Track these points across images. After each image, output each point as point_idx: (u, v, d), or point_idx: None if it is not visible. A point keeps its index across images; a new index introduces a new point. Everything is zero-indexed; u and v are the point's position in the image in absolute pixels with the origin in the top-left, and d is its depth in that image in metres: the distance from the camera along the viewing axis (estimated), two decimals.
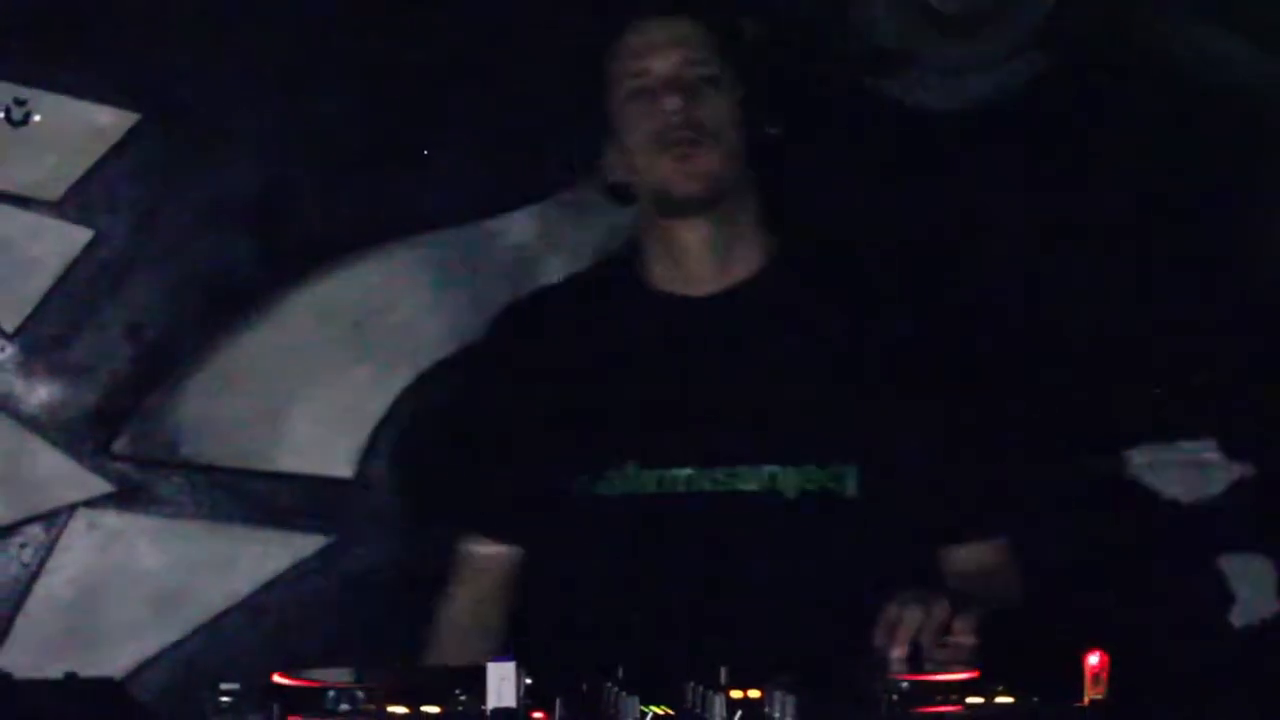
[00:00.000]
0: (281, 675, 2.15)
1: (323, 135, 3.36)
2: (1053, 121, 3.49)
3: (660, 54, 2.80)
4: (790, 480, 2.74)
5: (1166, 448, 3.50)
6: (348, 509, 3.39)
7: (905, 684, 2.17)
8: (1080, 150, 3.49)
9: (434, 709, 2.10)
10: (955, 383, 2.84)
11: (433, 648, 2.93)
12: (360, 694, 2.10)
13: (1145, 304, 3.50)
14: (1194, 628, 3.46)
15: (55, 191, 3.30)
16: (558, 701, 2.08)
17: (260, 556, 3.37)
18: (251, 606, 3.37)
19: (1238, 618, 3.50)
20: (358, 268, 3.39)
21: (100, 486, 3.33)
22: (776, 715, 2.09)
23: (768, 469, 2.74)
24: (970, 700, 2.16)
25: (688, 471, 2.75)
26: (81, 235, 3.31)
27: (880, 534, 2.76)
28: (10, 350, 3.30)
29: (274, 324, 3.38)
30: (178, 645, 3.35)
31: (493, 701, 2.05)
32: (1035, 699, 2.18)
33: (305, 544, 3.36)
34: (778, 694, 2.10)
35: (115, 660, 3.28)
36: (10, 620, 3.30)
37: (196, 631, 3.35)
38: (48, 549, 3.32)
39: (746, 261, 2.85)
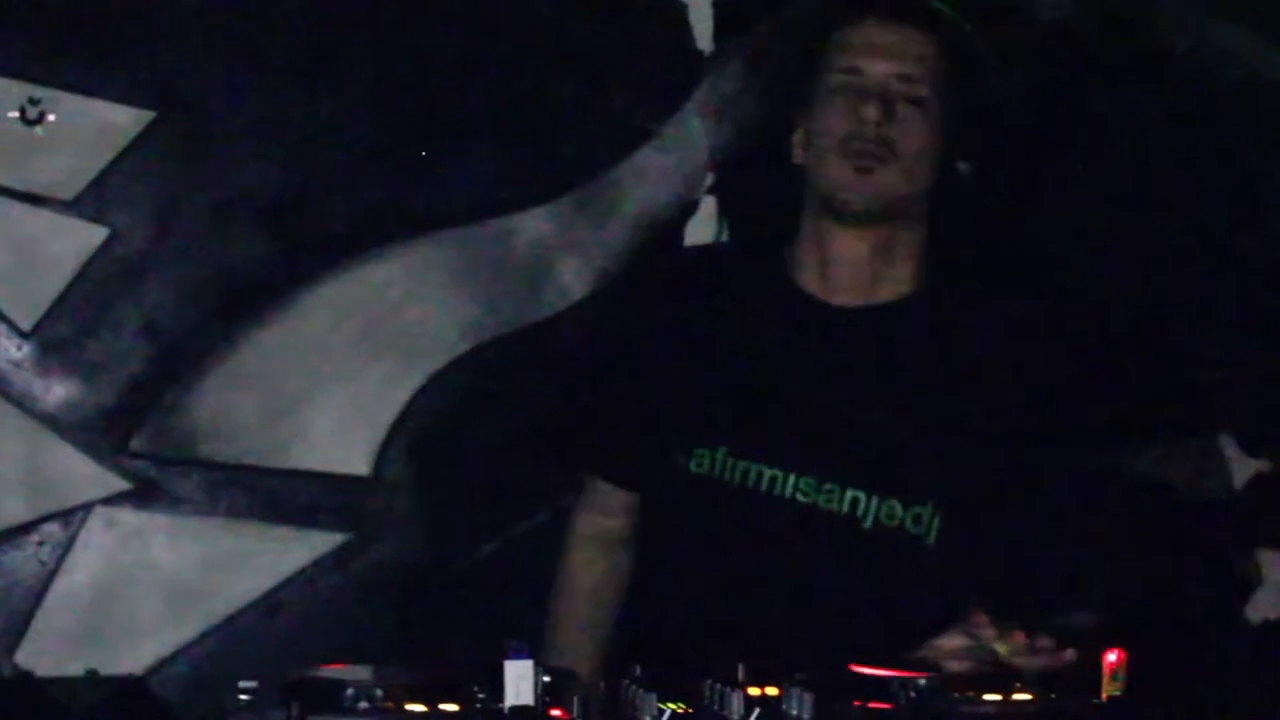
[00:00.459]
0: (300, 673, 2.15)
1: (338, 133, 3.36)
2: (1063, 119, 3.49)
3: (876, 59, 2.72)
4: (871, 510, 2.72)
5: (1187, 443, 3.49)
6: (364, 506, 3.39)
7: (923, 681, 2.16)
8: (1091, 147, 3.49)
9: (452, 707, 2.10)
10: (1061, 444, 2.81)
11: (554, 593, 2.91)
12: (379, 692, 2.10)
13: (1163, 298, 3.49)
14: (1210, 624, 3.46)
15: (70, 190, 3.30)
16: (576, 699, 2.09)
17: (277, 554, 3.37)
18: (269, 604, 3.37)
19: (1254, 613, 3.49)
20: (373, 266, 3.39)
21: (118, 485, 3.34)
22: (794, 712, 2.10)
23: (852, 492, 2.72)
24: (988, 697, 2.16)
25: (774, 472, 2.72)
26: (97, 234, 3.31)
27: (947, 584, 2.70)
28: (27, 349, 3.31)
29: (290, 322, 3.38)
30: (195, 643, 3.36)
31: (511, 699, 2.06)
32: (1053, 695, 2.18)
33: (322, 541, 3.37)
34: (795, 691, 2.10)
35: (133, 658, 3.29)
36: (29, 618, 3.31)
37: (214, 629, 3.36)
38: (66, 547, 3.32)
39: (897, 284, 2.78)
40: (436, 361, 3.40)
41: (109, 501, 3.34)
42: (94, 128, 3.29)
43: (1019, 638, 2.38)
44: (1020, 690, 2.18)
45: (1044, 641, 2.37)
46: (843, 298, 2.78)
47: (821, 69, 2.77)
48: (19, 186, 3.29)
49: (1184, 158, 3.48)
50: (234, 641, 3.36)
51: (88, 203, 3.31)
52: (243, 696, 2.08)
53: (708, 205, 3.43)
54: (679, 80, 3.42)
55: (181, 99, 3.31)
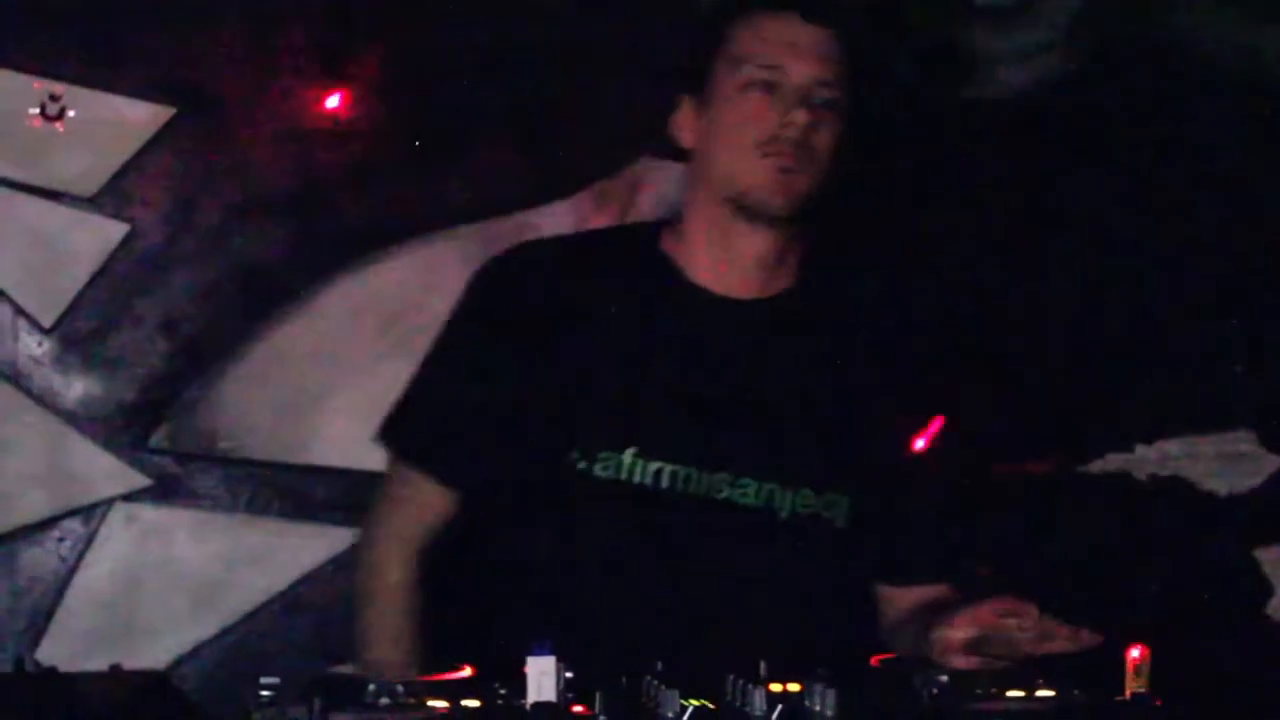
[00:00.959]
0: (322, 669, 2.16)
1: (357, 130, 3.36)
2: (1085, 112, 3.48)
3: (800, 60, 2.68)
4: (787, 500, 2.70)
5: (1206, 439, 3.49)
6: None
7: (945, 678, 2.16)
8: (1111, 140, 3.48)
9: (474, 703, 2.10)
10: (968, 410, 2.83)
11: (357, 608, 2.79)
12: (400, 688, 2.10)
13: (1181, 293, 3.49)
14: (1232, 620, 3.45)
15: (91, 187, 3.31)
16: (598, 695, 2.09)
17: (297, 550, 3.38)
18: (289, 599, 3.37)
19: (1276, 610, 3.49)
20: (392, 262, 3.40)
21: (138, 480, 3.34)
22: (817, 708, 2.09)
23: (767, 485, 2.69)
24: (1011, 694, 2.16)
25: (686, 471, 2.69)
26: (117, 230, 3.32)
27: (853, 562, 2.74)
28: (48, 345, 3.31)
29: (309, 318, 3.38)
30: (215, 639, 3.36)
31: (533, 696, 2.06)
32: (1076, 692, 2.17)
33: (342, 537, 3.37)
34: (818, 687, 2.10)
35: (153, 653, 3.30)
36: (50, 614, 3.31)
37: (234, 625, 3.36)
38: (86, 542, 3.33)
39: (787, 277, 2.76)
40: None
41: (129, 497, 3.35)
42: (114, 124, 3.29)
43: (1035, 621, 2.38)
44: (1043, 687, 2.18)
45: (1063, 628, 2.37)
46: (738, 291, 2.74)
47: (726, 56, 2.71)
48: (40, 183, 3.29)
49: (1182, 152, 3.47)
50: (254, 637, 3.37)
51: (108, 199, 3.31)
52: (264, 693, 2.08)
53: None
54: None
55: (201, 96, 3.31)
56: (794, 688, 2.13)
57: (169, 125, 3.31)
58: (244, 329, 3.37)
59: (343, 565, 3.38)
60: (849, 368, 2.75)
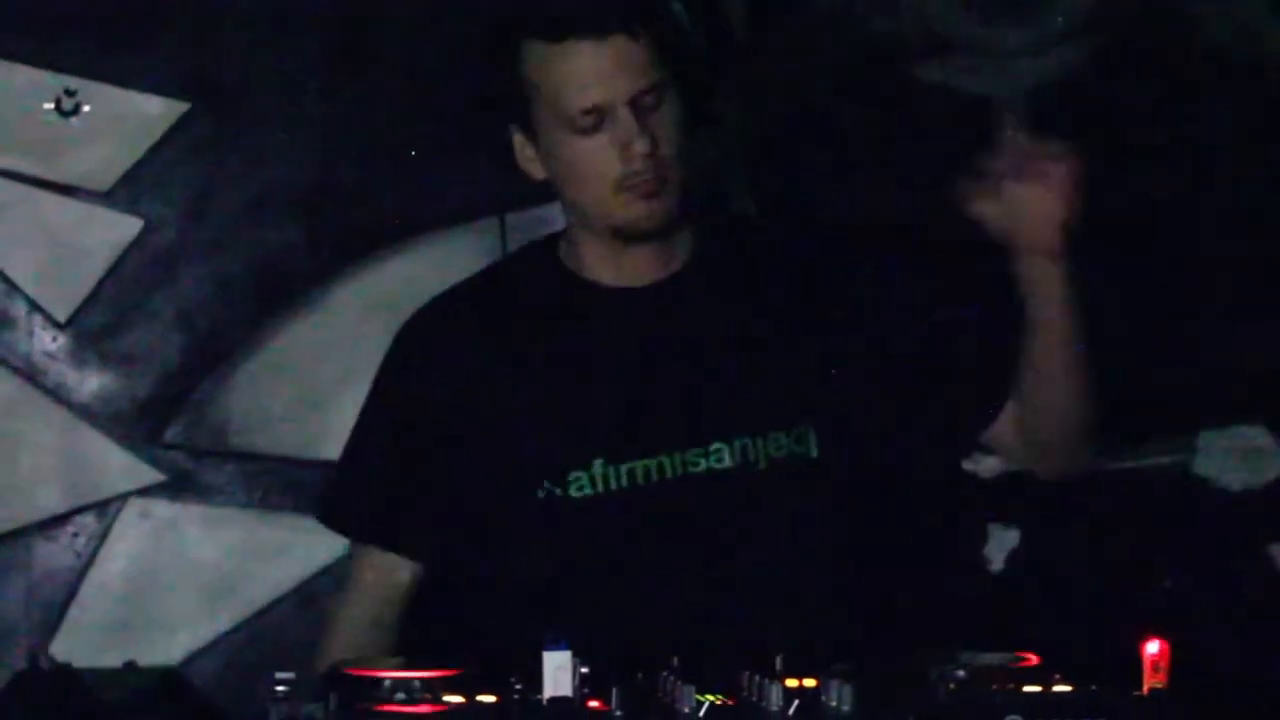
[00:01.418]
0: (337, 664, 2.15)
1: (371, 125, 3.36)
2: (1100, 106, 3.48)
3: (608, 86, 2.61)
4: (761, 450, 2.70)
5: (1219, 434, 3.48)
6: None
7: (962, 672, 2.16)
8: (1128, 134, 3.47)
9: (490, 698, 2.10)
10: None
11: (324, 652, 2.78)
12: (416, 683, 2.10)
13: (1196, 287, 3.48)
14: (1253, 615, 3.45)
15: (105, 181, 3.31)
16: (614, 691, 2.08)
17: (311, 545, 3.37)
18: (303, 594, 3.37)
19: None
20: (407, 257, 3.40)
21: (152, 476, 3.34)
22: (833, 704, 2.09)
23: (738, 441, 2.69)
24: (1028, 688, 2.16)
25: (656, 461, 2.68)
26: (132, 225, 3.32)
27: (847, 490, 2.75)
28: (62, 340, 3.31)
29: (323, 313, 3.38)
30: (229, 634, 3.36)
31: (549, 690, 2.06)
32: (1094, 687, 2.17)
33: None
34: (834, 683, 2.10)
35: (167, 649, 3.30)
36: (63, 609, 3.32)
37: (248, 620, 3.36)
38: (100, 538, 3.33)
39: (682, 251, 2.75)
40: None
41: (143, 493, 3.35)
42: (129, 119, 3.29)
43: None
44: (1060, 681, 2.17)
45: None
46: (633, 279, 2.74)
47: (536, 94, 2.66)
48: (54, 178, 3.30)
49: (1198, 142, 3.47)
50: (268, 632, 3.36)
51: (122, 194, 3.31)
52: (280, 688, 2.08)
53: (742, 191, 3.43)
54: (714, 66, 3.41)
55: (216, 90, 3.31)
56: (810, 683, 2.12)
57: (184, 120, 3.31)
58: (258, 324, 3.37)
59: None
60: (764, 314, 2.74)
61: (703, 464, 2.69)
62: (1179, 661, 2.15)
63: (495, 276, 2.91)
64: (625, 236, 2.70)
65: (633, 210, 2.66)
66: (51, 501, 3.32)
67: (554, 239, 2.84)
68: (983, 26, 3.47)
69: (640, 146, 2.61)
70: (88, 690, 2.28)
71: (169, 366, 3.34)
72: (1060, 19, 3.47)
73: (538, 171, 2.73)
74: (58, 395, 3.31)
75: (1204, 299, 3.49)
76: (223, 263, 3.35)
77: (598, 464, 2.68)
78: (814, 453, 2.72)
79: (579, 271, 2.76)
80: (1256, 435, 3.49)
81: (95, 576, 3.33)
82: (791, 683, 2.12)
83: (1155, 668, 2.12)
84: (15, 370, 3.31)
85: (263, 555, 3.36)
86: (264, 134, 3.34)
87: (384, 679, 2.11)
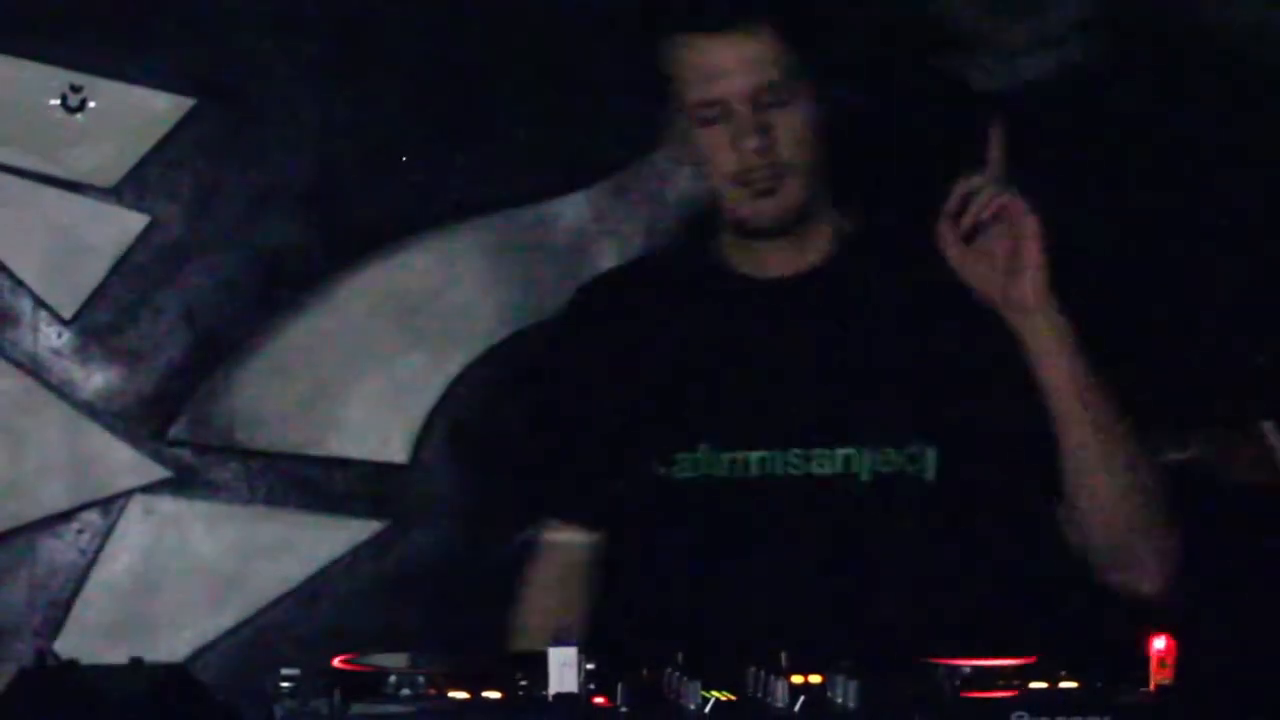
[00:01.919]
0: (343, 660, 2.15)
1: (377, 120, 3.36)
2: (1110, 100, 3.47)
3: (731, 80, 2.64)
4: (866, 463, 2.71)
5: (1221, 431, 3.48)
6: (402, 494, 3.39)
7: (968, 669, 2.16)
8: (1133, 129, 3.47)
9: (495, 694, 2.10)
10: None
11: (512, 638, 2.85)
12: (421, 679, 2.10)
13: (1203, 283, 3.48)
14: (1260, 611, 3.45)
15: (111, 178, 3.31)
16: (619, 687, 2.08)
17: (316, 542, 3.38)
18: (307, 592, 3.37)
19: None
20: (412, 253, 3.40)
21: (157, 472, 3.34)
22: (839, 700, 2.09)
23: (842, 451, 2.70)
24: (1034, 685, 2.15)
25: (760, 455, 2.70)
26: (137, 221, 3.32)
27: (958, 516, 2.72)
28: (67, 336, 3.31)
29: (328, 309, 3.38)
30: (233, 631, 3.36)
31: (555, 687, 2.05)
32: (1099, 684, 2.17)
33: (361, 529, 3.37)
34: (840, 679, 2.10)
35: (172, 645, 3.30)
36: (68, 606, 3.32)
37: (252, 617, 3.36)
38: (105, 535, 3.33)
39: (819, 246, 2.76)
40: (475, 348, 3.40)
41: (148, 489, 3.35)
42: (134, 115, 3.29)
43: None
44: (1066, 678, 2.17)
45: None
46: (773, 272, 2.76)
47: (673, 89, 2.69)
48: (60, 174, 3.30)
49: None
50: (273, 629, 3.37)
51: (128, 190, 3.32)
52: (285, 684, 2.08)
53: None
54: None
55: (221, 86, 3.32)
56: (816, 679, 2.12)
57: (189, 116, 3.31)
58: (263, 320, 3.37)
59: (362, 556, 3.38)
60: (897, 323, 2.73)
61: (804, 467, 2.70)
62: (1182, 658, 2.15)
63: (655, 262, 3.05)
64: (745, 232, 2.73)
65: (748, 206, 2.69)
66: (56, 498, 3.33)
67: (702, 225, 2.86)
68: (988, 21, 3.47)
69: (753, 144, 2.64)
70: (93, 686, 2.27)
71: (174, 363, 3.34)
72: (1071, 14, 3.47)
73: (678, 156, 2.82)
74: (62, 392, 3.31)
75: (1205, 295, 3.49)
76: (228, 259, 3.35)
77: (703, 449, 2.71)
78: (930, 475, 2.70)
79: (722, 257, 2.79)
80: (1259, 431, 3.49)
81: (100, 573, 3.33)
82: (797, 679, 2.11)
83: (1161, 664, 2.12)
84: (20, 366, 3.31)
85: (267, 552, 3.36)
86: (269, 131, 3.34)
87: (389, 674, 2.11)
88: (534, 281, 3.39)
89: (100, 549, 3.33)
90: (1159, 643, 2.12)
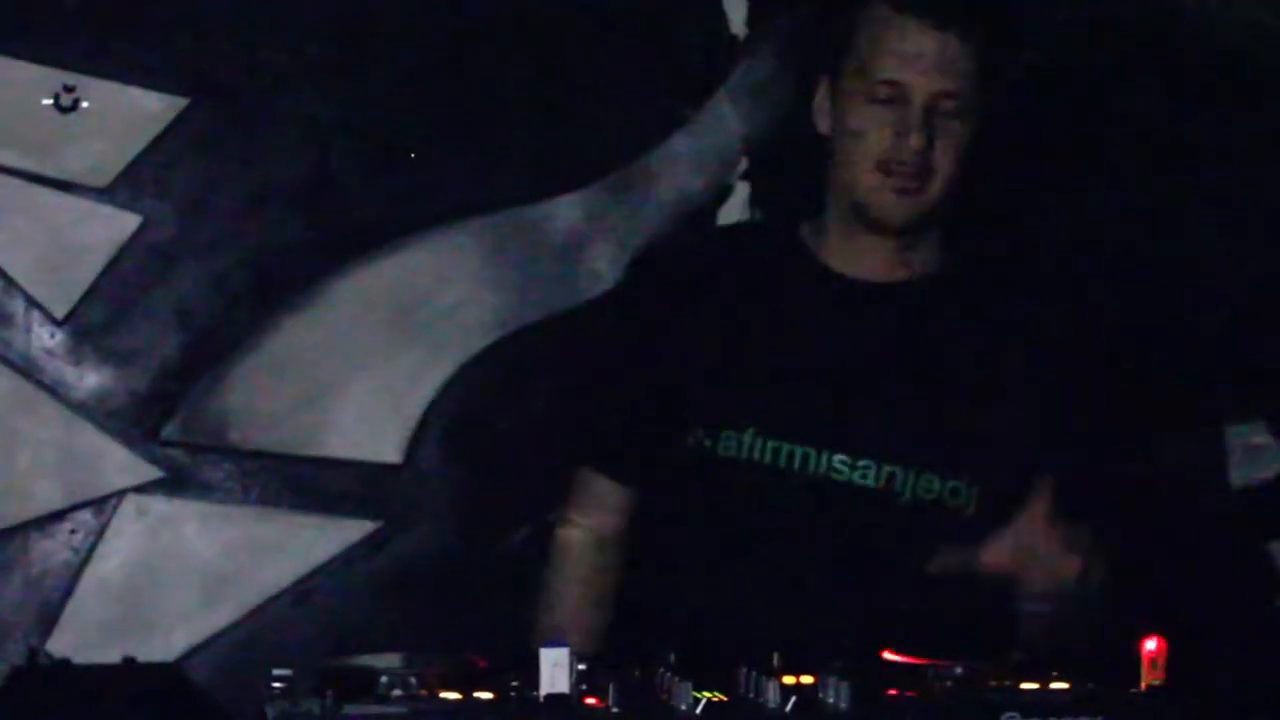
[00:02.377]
0: (334, 661, 2.15)
1: (370, 121, 3.36)
2: (1093, 91, 3.47)
3: (921, 73, 2.66)
4: (908, 484, 2.70)
5: (1219, 431, 3.48)
6: (396, 494, 3.39)
7: (959, 669, 2.16)
8: (1120, 120, 3.47)
9: (487, 695, 2.10)
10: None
11: (546, 605, 2.89)
12: (413, 680, 2.10)
13: (1196, 283, 3.48)
14: (1251, 613, 3.45)
15: (104, 177, 3.30)
16: (611, 687, 2.08)
17: (309, 542, 3.37)
18: (300, 592, 3.37)
19: None
20: (405, 253, 3.39)
21: (149, 472, 3.34)
22: (830, 700, 2.09)
23: (888, 467, 2.70)
24: (1025, 686, 2.16)
25: (805, 450, 2.71)
26: (130, 221, 3.32)
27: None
28: (60, 336, 3.31)
29: (322, 309, 3.38)
30: (226, 631, 3.36)
31: (546, 688, 2.05)
32: (1091, 685, 2.17)
33: (354, 529, 3.37)
34: (831, 680, 2.10)
35: (165, 644, 3.29)
36: (60, 606, 3.31)
37: (245, 617, 3.36)
38: (98, 535, 3.33)
39: (922, 259, 2.78)
40: (468, 349, 3.40)
41: (141, 489, 3.34)
42: (127, 115, 3.29)
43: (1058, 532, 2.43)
44: (1057, 678, 2.17)
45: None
46: (871, 275, 2.77)
47: (853, 54, 2.71)
48: (52, 174, 3.29)
49: (1196, 134, 3.46)
50: (265, 629, 3.36)
51: (121, 190, 3.31)
52: (277, 684, 2.08)
53: (740, 190, 3.42)
54: (712, 65, 3.41)
55: (214, 86, 3.31)
56: (808, 680, 2.12)
57: (182, 116, 3.31)
58: (256, 320, 3.36)
59: (355, 557, 3.38)
60: (979, 355, 2.74)
61: (846, 472, 2.71)
62: (1177, 659, 2.15)
63: (735, 233, 3.05)
64: (865, 220, 2.73)
65: (881, 197, 2.70)
66: (49, 498, 3.32)
67: (799, 214, 2.87)
68: None
69: (915, 141, 2.66)
70: (86, 686, 2.27)
71: (167, 363, 3.34)
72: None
73: (824, 124, 2.78)
74: (55, 392, 3.31)
75: (1205, 297, 3.49)
76: (221, 259, 3.35)
77: (750, 431, 2.71)
78: (969, 510, 2.71)
79: (814, 249, 2.80)
80: (1256, 432, 3.49)
81: (93, 573, 3.33)
82: (789, 679, 2.11)
83: (1153, 665, 2.12)
84: (13, 367, 3.30)
85: (260, 552, 3.36)
86: (263, 130, 3.33)
87: (381, 675, 2.11)
88: (528, 282, 3.39)
89: (93, 549, 3.33)
90: (1151, 644, 2.12)
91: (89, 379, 3.32)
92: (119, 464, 3.33)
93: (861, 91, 2.69)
